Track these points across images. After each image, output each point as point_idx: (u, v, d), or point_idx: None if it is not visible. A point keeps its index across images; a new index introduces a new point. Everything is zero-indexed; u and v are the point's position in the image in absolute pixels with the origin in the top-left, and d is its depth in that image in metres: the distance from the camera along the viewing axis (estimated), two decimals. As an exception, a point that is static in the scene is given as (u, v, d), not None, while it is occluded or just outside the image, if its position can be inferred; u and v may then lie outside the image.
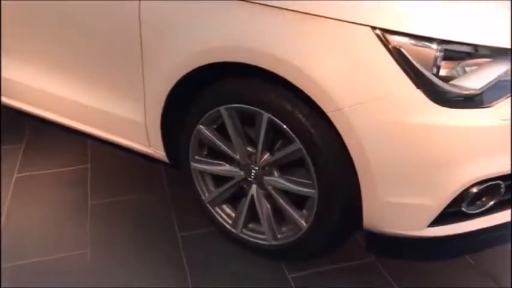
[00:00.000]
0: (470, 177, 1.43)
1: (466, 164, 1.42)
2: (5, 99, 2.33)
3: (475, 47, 1.41)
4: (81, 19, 1.86)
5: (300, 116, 1.51)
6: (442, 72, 1.40)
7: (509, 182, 1.52)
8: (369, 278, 1.74)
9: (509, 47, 1.42)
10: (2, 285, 1.68)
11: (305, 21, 1.43)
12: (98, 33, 1.84)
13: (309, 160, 1.54)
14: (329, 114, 1.44)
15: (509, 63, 1.43)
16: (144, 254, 1.86)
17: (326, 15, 1.40)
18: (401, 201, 1.48)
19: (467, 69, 1.43)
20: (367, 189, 1.49)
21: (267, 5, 1.46)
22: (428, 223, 1.51)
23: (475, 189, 1.47)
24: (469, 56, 1.42)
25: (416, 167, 1.44)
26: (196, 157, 1.82)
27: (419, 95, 1.37)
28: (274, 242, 1.75)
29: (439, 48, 1.36)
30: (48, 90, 2.11)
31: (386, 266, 1.78)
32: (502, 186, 1.51)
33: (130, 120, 1.94)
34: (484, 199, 1.53)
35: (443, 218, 1.51)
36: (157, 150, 1.96)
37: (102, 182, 2.28)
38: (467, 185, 1.45)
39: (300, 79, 1.45)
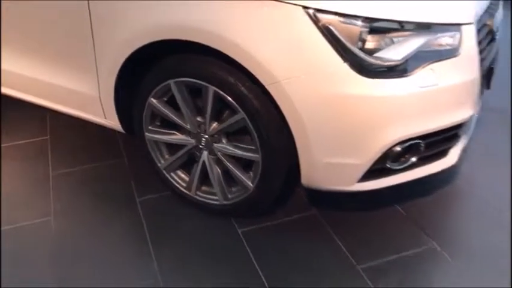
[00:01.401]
0: (392, 138, 1.63)
1: (388, 127, 1.62)
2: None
3: (399, 22, 1.58)
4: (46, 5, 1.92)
5: (242, 88, 1.66)
6: (371, 45, 1.57)
7: (429, 140, 1.73)
8: (311, 230, 1.94)
9: (429, 21, 1.60)
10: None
11: (243, 1, 1.55)
12: (53, 14, 1.92)
13: (252, 128, 1.71)
14: (267, 86, 1.59)
15: (429, 35, 1.61)
16: (106, 219, 2.01)
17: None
18: (334, 161, 1.68)
19: (394, 40, 1.60)
20: (303, 152, 1.68)
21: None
22: (357, 179, 1.72)
23: (398, 148, 1.68)
24: (395, 30, 1.59)
25: (346, 131, 1.62)
26: (150, 127, 1.95)
27: (346, 68, 1.54)
28: (225, 202, 1.93)
29: (364, 25, 1.52)
30: (10, 70, 2.17)
31: (326, 218, 1.99)
32: (422, 144, 1.72)
33: (86, 95, 2.04)
34: (406, 156, 1.75)
35: (371, 174, 1.72)
36: (112, 122, 2.07)
37: (62, 153, 2.39)
38: (390, 145, 1.65)
39: (241, 55, 1.58)
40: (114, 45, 1.81)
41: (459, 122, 1.75)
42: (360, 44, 1.54)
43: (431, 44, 1.63)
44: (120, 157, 2.36)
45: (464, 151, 1.93)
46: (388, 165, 1.72)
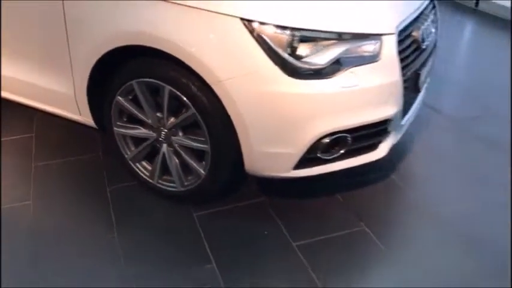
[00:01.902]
0: (319, 131, 1.90)
1: (315, 121, 1.89)
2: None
3: (324, 32, 1.86)
4: (17, 6, 2.21)
5: (193, 87, 1.94)
6: (302, 50, 1.85)
7: (356, 134, 2.00)
8: (257, 214, 2.20)
9: (351, 31, 1.88)
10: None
11: (192, 13, 1.84)
12: (33, 21, 2.21)
13: (202, 122, 1.98)
14: (212, 85, 1.87)
15: (350, 43, 1.88)
16: (79, 204, 2.27)
17: (207, 9, 1.82)
18: (270, 151, 1.95)
19: (321, 47, 1.88)
20: (244, 143, 1.95)
21: (163, 0, 1.86)
22: (292, 167, 1.98)
23: (326, 140, 1.95)
24: (322, 39, 1.87)
25: (279, 124, 1.90)
26: (118, 123, 2.22)
27: (276, 70, 1.82)
28: (182, 189, 2.19)
29: (291, 33, 1.80)
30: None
31: (272, 204, 2.25)
32: (349, 138, 1.99)
33: (63, 94, 2.32)
34: (336, 148, 2.01)
35: (305, 162, 1.99)
36: (87, 119, 2.35)
37: (44, 148, 2.65)
38: (318, 137, 1.92)
39: (190, 58, 1.86)
40: (86, 50, 2.09)
41: (382, 119, 2.02)
42: (288, 50, 1.82)
43: (353, 51, 1.90)
44: (96, 151, 2.62)
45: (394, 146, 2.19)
46: (319, 155, 1.99)
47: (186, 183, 2.18)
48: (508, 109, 3.05)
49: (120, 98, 2.14)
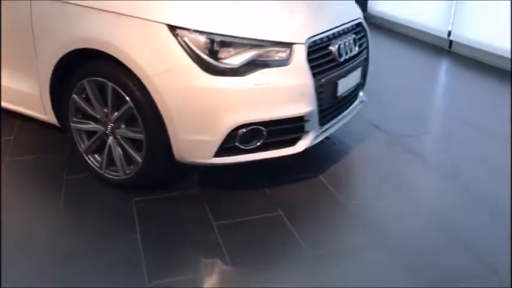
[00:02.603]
0: (234, 120, 2.22)
1: (230, 112, 2.21)
2: None
3: (239, 38, 2.21)
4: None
5: (130, 83, 2.28)
6: (222, 52, 2.19)
7: (271, 128, 2.30)
8: (188, 200, 2.48)
9: (259, 37, 2.23)
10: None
11: (128, 20, 2.22)
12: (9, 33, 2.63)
13: (137, 114, 2.31)
14: (143, 80, 2.21)
15: (262, 49, 2.23)
16: (43, 194, 2.59)
17: (139, 16, 2.20)
18: (194, 138, 2.26)
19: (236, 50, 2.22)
20: (171, 132, 2.26)
21: (104, 10, 2.25)
22: (213, 154, 2.28)
23: (243, 130, 2.25)
24: (239, 44, 2.22)
25: (200, 114, 2.22)
26: (74, 119, 2.56)
27: (196, 68, 2.16)
28: (124, 177, 2.49)
29: (208, 37, 2.16)
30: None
31: (203, 193, 2.54)
32: (264, 131, 2.30)
33: (31, 94, 2.69)
34: (253, 140, 2.31)
35: (225, 151, 2.29)
36: (51, 118, 2.71)
37: (19, 147, 3.01)
38: (233, 126, 2.22)
39: (126, 58, 2.22)
40: (49, 52, 2.47)
41: (294, 116, 2.33)
42: (206, 51, 2.17)
43: (265, 55, 2.25)
44: (61, 149, 2.95)
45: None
46: (237, 145, 2.29)
47: (127, 172, 2.48)
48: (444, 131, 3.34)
49: (75, 96, 2.49)
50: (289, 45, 2.29)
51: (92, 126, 2.53)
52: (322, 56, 2.45)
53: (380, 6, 6.57)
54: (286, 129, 2.38)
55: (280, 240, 2.24)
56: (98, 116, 2.47)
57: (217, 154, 2.30)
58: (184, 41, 2.16)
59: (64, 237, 2.25)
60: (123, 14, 2.22)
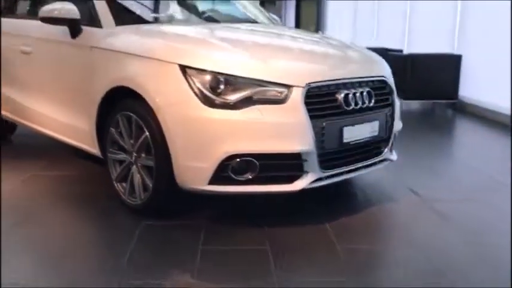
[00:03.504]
0: (225, 150, 2.42)
1: (222, 142, 2.42)
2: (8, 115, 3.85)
3: (239, 77, 2.47)
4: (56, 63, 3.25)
5: (147, 115, 2.62)
6: (222, 89, 2.46)
7: (264, 162, 2.45)
8: (189, 232, 2.63)
9: (258, 78, 2.46)
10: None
11: (147, 61, 2.62)
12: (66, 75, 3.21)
13: (151, 142, 2.62)
14: (155, 111, 2.54)
15: (260, 88, 2.45)
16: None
17: (157, 58, 2.58)
18: (191, 164, 2.49)
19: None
20: (174, 158, 2.52)
21: (130, 53, 2.69)
22: (207, 181, 2.47)
23: (237, 160, 2.43)
24: (238, 82, 2.48)
25: (196, 142, 2.46)
26: (110, 149, 2.95)
27: (197, 101, 2.44)
28: (139, 202, 2.76)
29: (210, 75, 2.45)
30: (39, 111, 3.49)
31: (205, 224, 2.69)
32: (257, 163, 2.45)
33: (83, 130, 3.16)
34: (247, 171, 2.47)
35: (219, 179, 2.46)
36: (98, 151, 3.13)
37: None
38: (225, 156, 2.42)
39: (144, 92, 2.59)
40: (95, 92, 2.95)
41: (286, 152, 2.46)
42: (208, 87, 2.45)
43: (263, 93, 2.46)
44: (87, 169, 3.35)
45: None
46: (231, 174, 2.46)
47: (142, 197, 2.75)
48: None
49: (112, 129, 2.89)
50: (287, 86, 2.48)
51: (122, 156, 2.88)
52: (325, 101, 2.59)
53: (471, 92, 6.50)
54: (282, 165, 2.50)
55: (256, 274, 2.25)
56: (126, 147, 2.83)
57: (212, 182, 2.48)
58: (191, 78, 2.47)
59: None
60: (145, 57, 2.63)
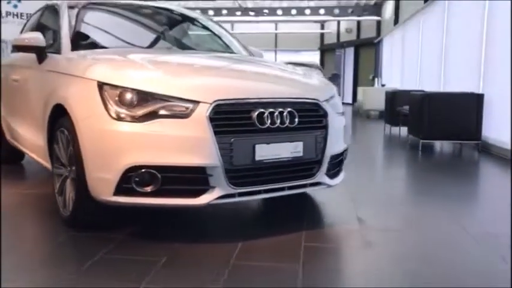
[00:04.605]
0: (127, 161, 2.50)
1: (124, 154, 2.51)
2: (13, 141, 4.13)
3: (146, 93, 2.59)
4: (30, 88, 3.55)
5: (71, 128, 2.76)
6: (128, 103, 2.57)
7: (167, 175, 2.51)
8: (104, 241, 2.70)
9: (163, 93, 2.56)
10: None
11: (74, 78, 2.82)
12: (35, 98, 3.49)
13: (73, 155, 2.76)
14: (75, 124, 2.70)
15: (166, 103, 2.55)
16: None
17: (80, 75, 2.78)
18: (98, 176, 2.59)
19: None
20: (87, 170, 2.64)
21: (61, 73, 2.91)
22: (112, 191, 2.56)
23: (141, 171, 2.50)
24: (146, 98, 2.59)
25: (104, 154, 2.57)
26: (55, 165, 3.14)
27: (105, 114, 2.58)
28: (68, 213, 2.89)
29: (119, 90, 2.59)
30: (22, 135, 3.77)
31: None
32: (159, 176, 2.51)
33: (41, 146, 3.39)
34: (150, 184, 2.53)
35: (124, 191, 2.55)
36: (50, 166, 3.34)
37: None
38: (126, 167, 2.50)
39: (69, 107, 2.77)
40: (44, 112, 3.18)
41: (188, 165, 2.50)
42: (117, 101, 2.58)
43: (168, 108, 2.55)
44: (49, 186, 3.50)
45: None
46: (134, 186, 2.53)
47: (71, 209, 2.88)
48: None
49: (55, 145, 3.09)
50: (194, 102, 2.55)
51: (61, 171, 3.05)
52: (236, 118, 2.62)
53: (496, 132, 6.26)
54: (186, 179, 2.54)
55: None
56: (63, 161, 3.00)
57: (116, 193, 2.56)
58: (105, 94, 2.62)
59: None
60: (73, 75, 2.84)
